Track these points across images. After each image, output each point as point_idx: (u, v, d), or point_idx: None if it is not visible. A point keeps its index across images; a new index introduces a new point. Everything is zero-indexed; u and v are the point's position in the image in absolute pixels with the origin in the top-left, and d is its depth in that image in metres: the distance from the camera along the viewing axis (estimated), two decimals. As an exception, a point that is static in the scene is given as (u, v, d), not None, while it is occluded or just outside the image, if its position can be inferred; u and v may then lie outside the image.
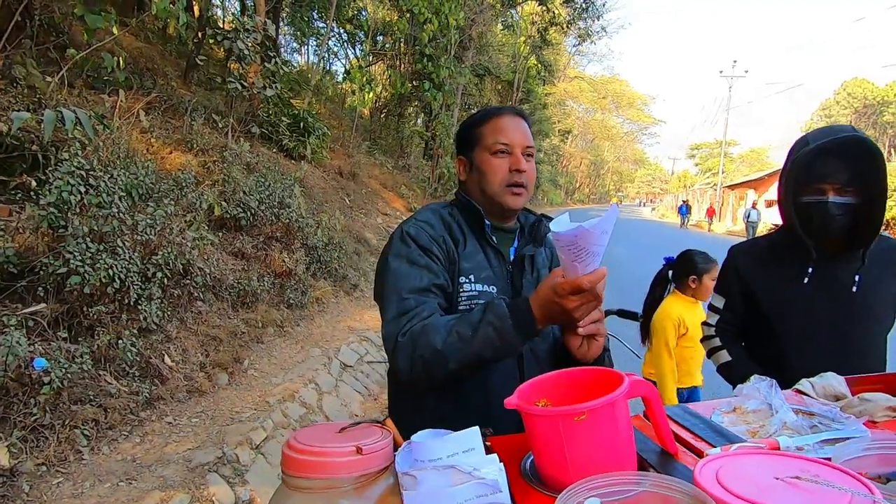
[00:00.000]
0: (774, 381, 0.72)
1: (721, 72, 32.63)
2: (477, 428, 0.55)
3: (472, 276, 1.06)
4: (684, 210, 28.61)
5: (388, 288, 1.01)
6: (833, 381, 0.76)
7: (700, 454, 0.61)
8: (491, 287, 1.07)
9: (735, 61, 31.98)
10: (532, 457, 0.65)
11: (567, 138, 44.21)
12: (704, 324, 1.50)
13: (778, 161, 38.68)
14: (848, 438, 0.57)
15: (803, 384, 0.79)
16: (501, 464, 0.53)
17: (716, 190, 31.57)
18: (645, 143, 73.28)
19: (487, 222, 1.10)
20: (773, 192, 25.20)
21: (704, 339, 1.50)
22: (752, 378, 0.76)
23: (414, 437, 0.53)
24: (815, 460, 0.44)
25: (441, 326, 0.90)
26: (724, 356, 1.42)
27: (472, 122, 1.15)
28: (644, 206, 68.67)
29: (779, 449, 0.58)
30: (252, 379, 3.33)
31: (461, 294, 1.05)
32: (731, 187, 30.46)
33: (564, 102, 40.47)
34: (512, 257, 1.13)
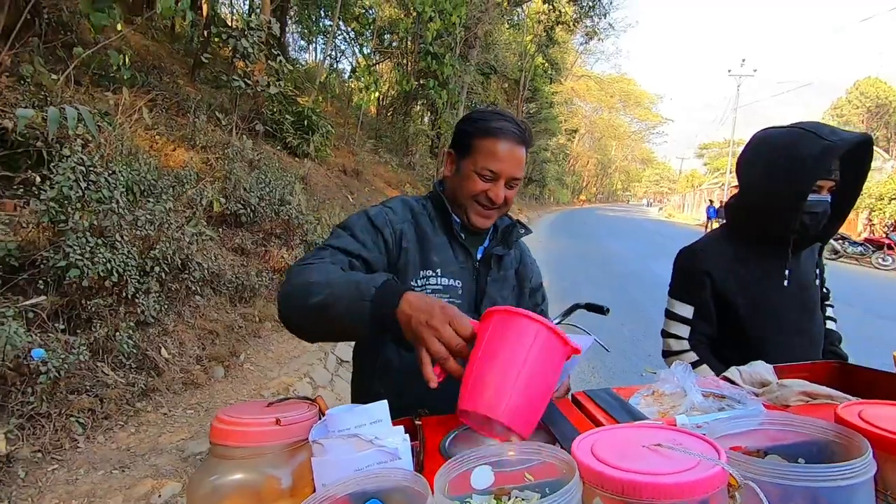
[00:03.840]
0: (689, 365, 0.76)
1: (729, 71, 32.34)
2: (385, 402, 0.59)
3: (439, 270, 1.09)
4: (713, 212, 22.92)
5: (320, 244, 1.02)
6: (761, 369, 0.79)
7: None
8: (457, 281, 1.10)
9: (744, 60, 31.74)
10: (454, 434, 0.68)
11: (574, 137, 44.05)
12: (671, 336, 1.36)
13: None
14: (739, 416, 0.60)
15: (731, 372, 0.82)
16: (407, 435, 0.57)
17: (723, 189, 31.30)
18: (653, 142, 72.80)
19: (457, 220, 1.12)
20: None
21: (673, 354, 1.35)
22: (674, 363, 0.79)
23: (329, 411, 0.58)
24: (687, 432, 0.47)
25: (328, 271, 0.88)
26: (707, 371, 1.26)
27: (474, 127, 1.09)
28: (651, 205, 68.04)
29: (675, 426, 0.62)
30: (248, 372, 3.40)
31: (427, 287, 1.07)
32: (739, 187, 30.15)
33: (571, 101, 40.33)
34: (480, 255, 1.15)
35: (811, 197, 1.20)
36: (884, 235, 14.29)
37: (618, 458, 0.43)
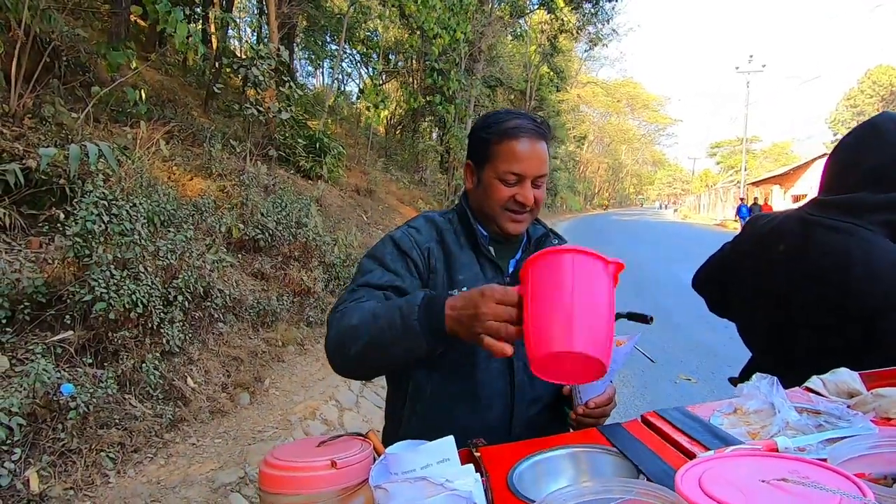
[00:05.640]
0: (776, 378, 0.69)
1: (737, 68, 32.07)
2: (451, 437, 0.54)
3: (465, 289, 1.03)
4: (746, 212, 19.88)
5: (351, 282, 1.01)
6: (846, 377, 0.72)
7: (694, 458, 0.58)
8: None
9: (751, 56, 31.43)
10: (520, 467, 0.62)
11: (583, 144, 43.93)
12: None
13: (802, 155, 37.40)
14: (853, 437, 0.53)
15: (813, 381, 0.74)
16: (478, 475, 0.51)
17: (739, 187, 30.82)
18: (663, 143, 72.30)
19: (485, 233, 1.07)
20: (799, 187, 24.46)
21: None
22: (753, 377, 0.72)
23: (389, 449, 0.52)
24: (808, 461, 0.41)
25: (367, 308, 0.88)
26: None
27: (488, 133, 1.04)
28: (665, 208, 66.70)
29: (776, 450, 0.55)
30: (273, 398, 3.36)
31: None
32: (756, 184, 29.76)
33: (578, 108, 40.31)
34: (511, 269, 1.08)
35: None
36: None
37: (739, 497, 0.37)
